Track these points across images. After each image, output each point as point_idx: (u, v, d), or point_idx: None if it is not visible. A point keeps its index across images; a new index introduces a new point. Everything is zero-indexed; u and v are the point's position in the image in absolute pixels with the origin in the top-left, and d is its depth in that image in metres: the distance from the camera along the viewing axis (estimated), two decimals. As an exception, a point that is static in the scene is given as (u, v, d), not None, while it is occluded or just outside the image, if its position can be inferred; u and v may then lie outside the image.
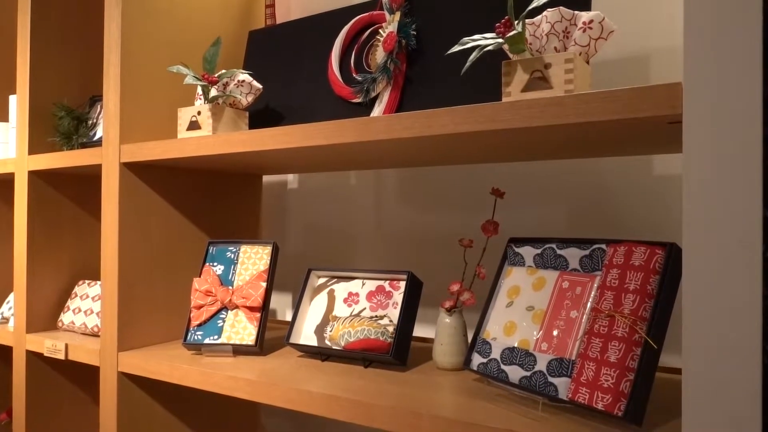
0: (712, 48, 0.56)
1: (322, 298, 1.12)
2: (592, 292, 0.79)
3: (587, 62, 0.77)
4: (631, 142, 0.82)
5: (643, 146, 0.87)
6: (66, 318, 1.39)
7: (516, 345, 0.84)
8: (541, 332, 0.82)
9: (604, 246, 0.81)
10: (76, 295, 1.41)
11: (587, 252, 0.83)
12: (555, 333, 0.80)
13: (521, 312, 0.86)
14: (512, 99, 0.74)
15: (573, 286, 0.82)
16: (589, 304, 0.78)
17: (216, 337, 1.11)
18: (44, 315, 1.41)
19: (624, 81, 1.05)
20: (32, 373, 1.38)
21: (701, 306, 0.57)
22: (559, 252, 0.86)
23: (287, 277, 1.51)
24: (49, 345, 1.29)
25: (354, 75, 1.08)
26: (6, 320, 1.53)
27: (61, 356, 1.26)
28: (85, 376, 1.48)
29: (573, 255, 0.84)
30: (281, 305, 1.57)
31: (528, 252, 0.91)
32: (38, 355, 1.36)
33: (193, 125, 1.08)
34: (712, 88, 0.56)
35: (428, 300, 1.18)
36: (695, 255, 0.57)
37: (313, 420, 1.46)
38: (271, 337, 1.26)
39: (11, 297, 1.56)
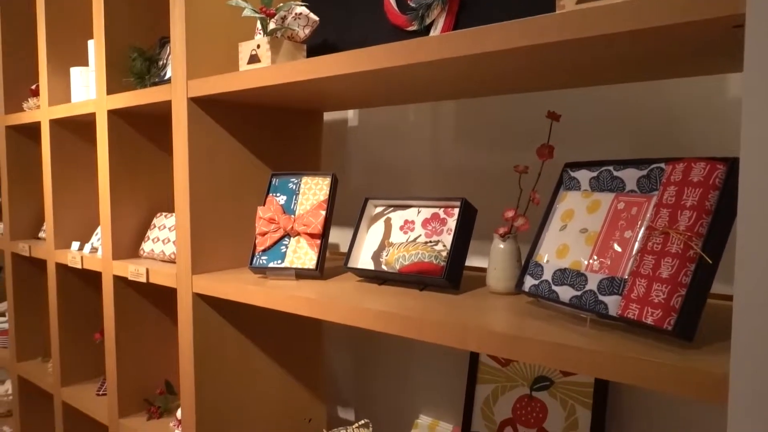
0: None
1: (379, 226, 1.15)
2: (648, 212, 0.77)
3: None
4: (695, 55, 0.78)
5: (709, 61, 0.83)
6: (146, 246, 1.51)
7: (568, 266, 0.84)
8: (593, 253, 0.81)
9: (662, 165, 0.79)
10: (155, 226, 1.52)
11: (645, 172, 0.81)
12: (608, 253, 0.79)
13: (574, 235, 0.86)
14: (566, 11, 0.71)
15: (629, 207, 0.80)
16: (644, 224, 0.77)
17: (279, 261, 1.17)
18: (127, 244, 1.54)
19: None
20: (119, 296, 1.52)
21: (755, 223, 0.55)
22: (615, 174, 0.85)
23: (348, 211, 1.56)
24: (132, 270, 1.40)
25: (409, 2, 1.07)
26: (95, 250, 1.67)
27: (143, 279, 1.37)
28: (164, 298, 1.62)
29: (630, 176, 0.83)
30: (343, 239, 1.62)
31: (584, 176, 0.90)
32: (123, 279, 1.49)
33: (253, 59, 1.12)
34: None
35: (484, 232, 1.19)
36: (752, 170, 0.55)
37: (371, 351, 1.53)
38: (332, 266, 1.31)
39: (99, 229, 1.70)
